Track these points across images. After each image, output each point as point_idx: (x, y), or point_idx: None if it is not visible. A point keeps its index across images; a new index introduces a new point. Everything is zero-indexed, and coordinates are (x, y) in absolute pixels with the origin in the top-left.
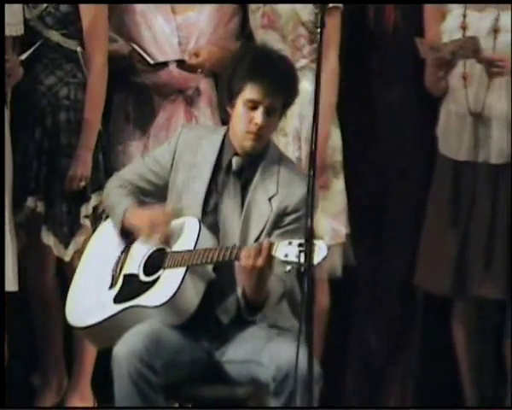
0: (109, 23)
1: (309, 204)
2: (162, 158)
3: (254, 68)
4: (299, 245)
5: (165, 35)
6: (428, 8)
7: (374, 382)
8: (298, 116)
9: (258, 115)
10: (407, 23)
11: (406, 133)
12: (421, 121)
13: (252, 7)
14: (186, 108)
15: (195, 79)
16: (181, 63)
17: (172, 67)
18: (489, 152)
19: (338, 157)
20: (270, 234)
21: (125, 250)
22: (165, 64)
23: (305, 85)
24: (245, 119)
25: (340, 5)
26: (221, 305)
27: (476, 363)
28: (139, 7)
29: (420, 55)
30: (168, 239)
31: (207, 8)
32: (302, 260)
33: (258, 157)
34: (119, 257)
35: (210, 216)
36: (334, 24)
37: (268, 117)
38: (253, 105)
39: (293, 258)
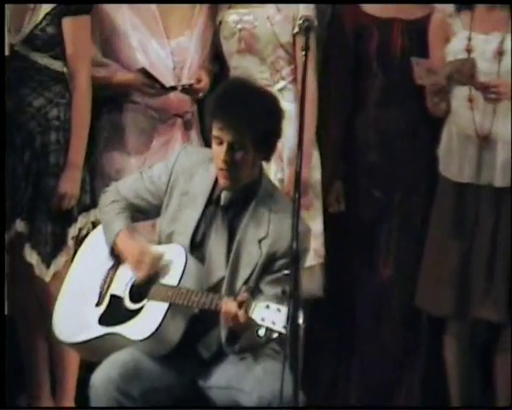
0: (100, 49)
1: (294, 231)
2: (158, 179)
3: (218, 104)
4: (278, 310)
5: (161, 59)
6: (433, 31)
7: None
8: None
9: (221, 151)
10: (413, 46)
11: (409, 153)
12: (424, 142)
13: (224, 33)
14: (184, 132)
15: (190, 103)
16: (187, 87)
17: (173, 93)
18: (493, 175)
19: (317, 177)
20: (259, 278)
21: (113, 268)
22: (174, 88)
23: (286, 106)
24: (216, 155)
25: (315, 25)
26: (203, 340)
27: (465, 378)
28: (133, 32)
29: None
30: (153, 275)
31: (196, 32)
32: (278, 327)
33: (249, 194)
34: (107, 274)
35: (198, 247)
36: (311, 45)
37: (234, 153)
38: (219, 141)
39: (269, 323)
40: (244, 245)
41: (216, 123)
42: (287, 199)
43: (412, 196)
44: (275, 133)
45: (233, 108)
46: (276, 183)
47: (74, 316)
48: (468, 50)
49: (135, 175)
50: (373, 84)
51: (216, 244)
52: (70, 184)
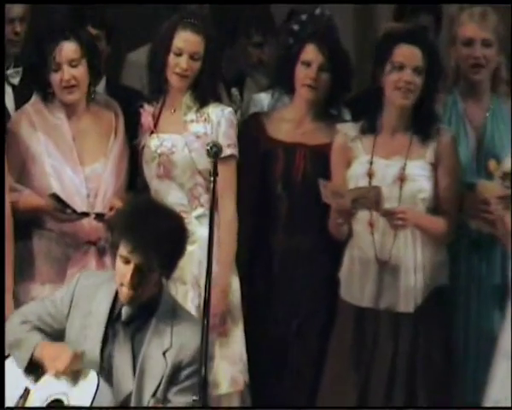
0: (13, 174)
1: (203, 357)
2: (60, 303)
3: (128, 226)
4: None
5: (75, 186)
6: (335, 155)
7: None
8: (197, 263)
9: (128, 270)
10: (315, 170)
11: (310, 278)
12: (325, 266)
13: (145, 157)
14: (98, 259)
15: (104, 229)
16: (100, 216)
17: (86, 220)
18: (394, 300)
19: (236, 303)
20: (166, 390)
21: (23, 396)
22: (86, 214)
23: (204, 233)
24: (120, 273)
25: (236, 153)
26: None
27: None
28: (48, 159)
29: (322, 199)
30: (76, 374)
31: (112, 159)
32: None
33: (149, 309)
34: (17, 402)
35: (106, 365)
36: (229, 172)
37: (141, 273)
38: (126, 261)
39: None
40: (149, 358)
41: (125, 244)
42: (187, 311)
43: (312, 320)
44: (179, 253)
45: (142, 232)
46: (193, 309)
47: None
48: (370, 175)
49: (37, 301)
50: (278, 207)
51: (120, 360)
52: None
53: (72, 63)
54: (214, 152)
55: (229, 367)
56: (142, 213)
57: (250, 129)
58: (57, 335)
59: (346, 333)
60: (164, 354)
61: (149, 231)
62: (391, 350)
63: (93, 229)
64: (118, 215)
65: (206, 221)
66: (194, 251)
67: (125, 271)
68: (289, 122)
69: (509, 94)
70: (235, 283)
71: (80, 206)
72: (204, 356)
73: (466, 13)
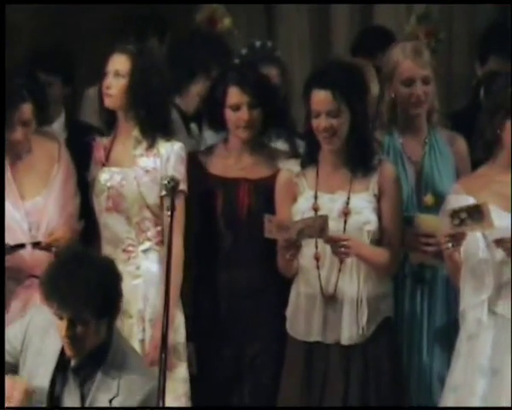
0: None
1: (160, 392)
2: (14, 339)
3: (52, 283)
4: None
5: (16, 221)
6: (279, 190)
7: None
8: (142, 298)
9: (63, 326)
10: (261, 205)
11: (257, 315)
12: (274, 301)
13: (95, 190)
14: None
15: (47, 262)
16: (37, 245)
17: (24, 252)
18: (340, 333)
19: (180, 339)
20: None
21: None
22: (22, 246)
23: (150, 267)
24: (58, 329)
25: (185, 188)
26: None
27: None
28: None
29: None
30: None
31: (55, 189)
32: None
33: (98, 357)
34: None
35: (56, 407)
36: (178, 207)
37: (74, 328)
38: (59, 317)
39: None
40: (95, 405)
41: (51, 302)
42: (138, 356)
43: (264, 355)
44: (115, 298)
45: (65, 287)
46: (137, 344)
47: None
48: (315, 209)
49: None
50: (221, 245)
51: (69, 405)
52: None
53: None
54: (171, 187)
55: (174, 403)
56: (64, 268)
57: (189, 167)
58: (11, 369)
59: (296, 369)
60: (110, 401)
61: (73, 284)
62: (342, 384)
63: (35, 261)
64: (43, 273)
65: (152, 255)
66: (139, 285)
67: (60, 326)
68: (228, 158)
69: (442, 122)
70: (180, 318)
71: (22, 240)
72: (162, 391)
73: (398, 49)
